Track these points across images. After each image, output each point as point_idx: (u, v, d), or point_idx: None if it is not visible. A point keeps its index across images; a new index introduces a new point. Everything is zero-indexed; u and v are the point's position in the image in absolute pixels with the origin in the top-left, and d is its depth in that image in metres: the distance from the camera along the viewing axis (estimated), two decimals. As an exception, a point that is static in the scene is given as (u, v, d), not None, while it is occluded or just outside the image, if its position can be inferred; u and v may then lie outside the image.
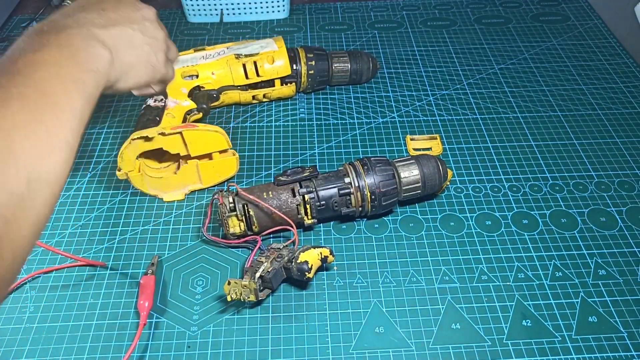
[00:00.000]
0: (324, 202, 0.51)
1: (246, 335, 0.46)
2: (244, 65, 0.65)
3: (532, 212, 0.56)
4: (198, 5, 0.85)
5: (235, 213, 0.50)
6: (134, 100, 0.71)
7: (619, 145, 0.64)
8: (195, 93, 0.63)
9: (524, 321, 0.47)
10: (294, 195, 0.51)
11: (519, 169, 0.61)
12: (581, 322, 0.46)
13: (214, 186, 0.59)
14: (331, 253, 0.49)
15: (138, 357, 0.45)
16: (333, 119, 0.68)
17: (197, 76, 0.64)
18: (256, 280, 0.45)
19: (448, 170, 0.55)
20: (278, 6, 0.86)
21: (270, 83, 0.68)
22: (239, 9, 0.85)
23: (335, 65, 0.70)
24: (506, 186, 0.59)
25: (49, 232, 0.55)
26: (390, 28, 0.85)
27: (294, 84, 0.69)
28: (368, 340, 0.45)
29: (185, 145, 0.54)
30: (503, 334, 0.46)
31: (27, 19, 0.87)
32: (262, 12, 0.86)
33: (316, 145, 0.64)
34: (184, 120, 0.60)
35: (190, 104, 0.61)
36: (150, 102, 0.59)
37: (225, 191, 0.52)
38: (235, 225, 0.51)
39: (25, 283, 0.50)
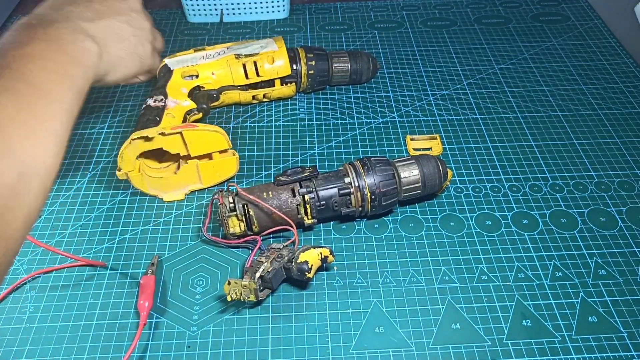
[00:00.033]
0: (324, 202, 0.51)
1: (246, 335, 0.46)
2: (244, 65, 0.65)
3: (532, 212, 0.56)
4: (198, 5, 0.85)
5: (235, 213, 0.50)
6: (134, 100, 0.71)
7: (619, 145, 0.64)
8: (195, 93, 0.63)
9: (524, 321, 0.47)
10: (294, 195, 0.51)
11: (519, 169, 0.61)
12: (581, 322, 0.46)
13: (214, 186, 0.59)
14: (331, 253, 0.49)
15: (138, 357, 0.45)
16: (333, 119, 0.68)
17: (197, 76, 0.64)
18: (256, 280, 0.45)
19: (448, 170, 0.55)
20: (278, 6, 0.86)
21: (270, 83, 0.68)
22: (239, 9, 0.85)
23: (335, 65, 0.70)
24: (506, 186, 0.59)
25: (49, 232, 0.55)
26: (390, 28, 0.85)
27: (294, 84, 0.69)
28: (368, 340, 0.45)
29: (185, 145, 0.54)
30: (503, 334, 0.46)
31: (27, 19, 0.87)
32: (262, 12, 0.86)
33: (316, 145, 0.64)
34: (184, 120, 0.60)
35: (190, 104, 0.61)
36: (150, 102, 0.59)
37: (225, 191, 0.52)
38: (235, 225, 0.51)
39: (25, 283, 0.50)
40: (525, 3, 0.91)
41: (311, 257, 0.47)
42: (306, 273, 0.46)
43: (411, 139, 0.65)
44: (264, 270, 0.46)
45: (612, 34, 0.83)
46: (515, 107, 0.69)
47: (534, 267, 0.51)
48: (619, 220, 0.55)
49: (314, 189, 0.51)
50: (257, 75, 0.66)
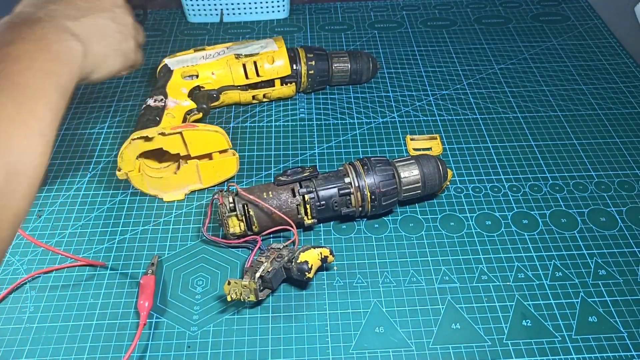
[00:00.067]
0: (324, 202, 0.51)
1: (246, 335, 0.46)
2: (244, 65, 0.65)
3: (532, 212, 0.56)
4: (198, 5, 0.85)
5: (235, 213, 0.50)
6: (134, 100, 0.71)
7: (619, 145, 0.64)
8: (195, 93, 0.63)
9: (524, 321, 0.47)
10: (294, 195, 0.51)
11: (519, 169, 0.61)
12: (581, 322, 0.46)
13: (214, 186, 0.59)
14: (331, 253, 0.49)
15: (138, 357, 0.45)
16: (333, 119, 0.68)
17: (197, 76, 0.64)
18: (256, 280, 0.45)
19: (448, 170, 0.55)
20: (278, 6, 0.86)
21: (270, 83, 0.68)
22: (239, 9, 0.85)
23: (335, 65, 0.70)
24: (506, 186, 0.59)
25: (49, 232, 0.55)
26: (390, 28, 0.85)
27: (294, 84, 0.69)
28: (368, 340, 0.45)
29: (185, 145, 0.54)
30: (503, 334, 0.46)
31: (27, 19, 0.87)
32: (262, 12, 0.86)
33: (316, 145, 0.64)
34: (184, 120, 0.60)
35: (190, 104, 0.61)
36: (150, 102, 0.59)
37: (225, 191, 0.52)
38: (235, 225, 0.51)
39: (25, 283, 0.50)
40: (525, 3, 0.91)
41: (311, 257, 0.47)
42: (306, 273, 0.46)
43: (411, 139, 0.65)
44: (264, 270, 0.46)
45: (612, 34, 0.83)
46: (515, 107, 0.69)
47: (534, 267, 0.51)
48: (619, 220, 0.55)
49: (314, 189, 0.51)
50: (257, 75, 0.66)
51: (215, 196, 0.52)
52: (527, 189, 0.58)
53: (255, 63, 0.65)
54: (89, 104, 0.71)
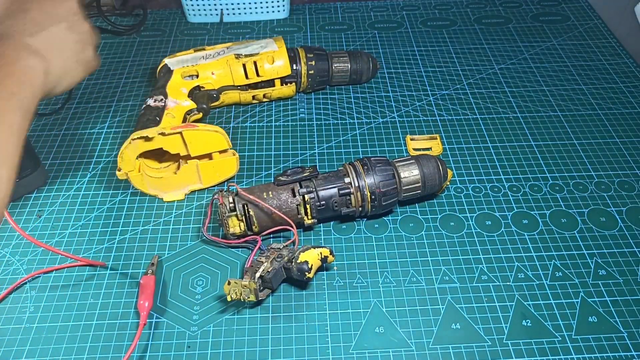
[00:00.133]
0: (324, 202, 0.51)
1: (246, 335, 0.46)
2: (244, 65, 0.65)
3: (532, 212, 0.56)
4: (198, 5, 0.85)
5: (235, 213, 0.50)
6: (134, 100, 0.71)
7: (619, 145, 0.64)
8: (195, 93, 0.63)
9: (524, 321, 0.47)
10: (294, 195, 0.51)
11: (519, 169, 0.61)
12: (581, 322, 0.46)
13: (214, 186, 0.59)
14: (331, 253, 0.49)
15: (138, 357, 0.45)
16: (333, 119, 0.68)
17: (197, 76, 0.64)
18: (256, 280, 0.45)
19: (448, 170, 0.55)
20: (278, 6, 0.86)
21: (270, 83, 0.68)
22: (239, 9, 0.85)
23: (335, 65, 0.70)
24: (506, 186, 0.59)
25: (49, 232, 0.55)
26: (390, 28, 0.85)
27: (294, 84, 0.69)
28: (368, 340, 0.45)
29: (185, 145, 0.54)
30: (503, 334, 0.46)
31: (27, 19, 0.87)
32: (262, 12, 0.86)
33: (316, 145, 0.64)
34: (184, 120, 0.60)
35: (190, 104, 0.61)
36: (150, 102, 0.59)
37: (225, 191, 0.52)
38: (235, 225, 0.51)
39: (25, 283, 0.50)
40: (525, 3, 0.91)
41: (311, 257, 0.47)
42: (306, 273, 0.46)
43: (411, 139, 0.65)
44: (264, 270, 0.46)
45: (612, 34, 0.83)
46: (515, 107, 0.69)
47: (534, 267, 0.51)
48: (619, 220, 0.55)
49: (314, 189, 0.51)
50: (257, 75, 0.66)
51: (215, 196, 0.52)
52: (527, 189, 0.58)
53: (255, 63, 0.65)
54: (89, 104, 0.71)
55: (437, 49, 0.80)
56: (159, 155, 0.57)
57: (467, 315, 0.47)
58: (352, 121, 0.68)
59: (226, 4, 0.85)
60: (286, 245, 0.50)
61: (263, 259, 0.48)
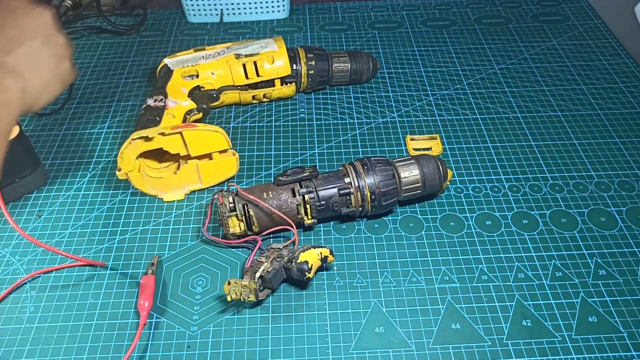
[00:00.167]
0: (324, 202, 0.51)
1: (246, 335, 0.46)
2: (244, 65, 0.65)
3: (532, 212, 0.56)
4: (198, 5, 0.85)
5: (235, 213, 0.50)
6: (134, 100, 0.71)
7: (619, 145, 0.64)
8: (195, 93, 0.63)
9: (524, 321, 0.47)
10: (294, 195, 0.51)
11: (519, 169, 0.61)
12: (581, 322, 0.46)
13: (214, 186, 0.59)
14: (331, 253, 0.49)
15: (138, 357, 0.45)
16: (333, 119, 0.68)
17: (197, 76, 0.64)
18: (256, 280, 0.45)
19: (448, 170, 0.55)
20: (278, 6, 0.86)
21: (270, 83, 0.68)
22: (239, 9, 0.85)
23: (335, 65, 0.70)
24: (506, 186, 0.59)
25: (49, 232, 0.55)
26: (390, 28, 0.85)
27: (294, 84, 0.69)
28: (368, 340, 0.45)
29: (185, 145, 0.54)
30: (503, 334, 0.46)
31: (27, 19, 0.87)
32: (262, 12, 0.86)
33: (316, 145, 0.64)
34: (184, 120, 0.60)
35: (190, 104, 0.61)
36: (150, 102, 0.59)
37: (225, 191, 0.52)
38: (235, 225, 0.51)
39: (25, 283, 0.50)
40: (525, 3, 0.91)
41: (311, 257, 0.47)
42: (306, 273, 0.46)
43: (411, 139, 0.65)
44: (264, 270, 0.46)
45: (612, 34, 0.83)
46: (515, 107, 0.69)
47: (534, 267, 0.51)
48: (619, 220, 0.55)
49: (314, 189, 0.51)
50: (257, 75, 0.66)
51: (215, 196, 0.52)
52: (527, 189, 0.58)
53: (255, 63, 0.65)
54: (89, 104, 0.71)
55: (437, 49, 0.80)
56: (159, 155, 0.57)
57: (467, 315, 0.47)
58: (352, 121, 0.68)
59: (226, 4, 0.85)
60: (286, 245, 0.50)
61: (263, 259, 0.48)
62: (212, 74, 0.65)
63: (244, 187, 0.54)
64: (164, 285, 0.50)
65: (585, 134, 0.65)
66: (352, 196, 0.52)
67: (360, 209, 0.53)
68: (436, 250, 0.52)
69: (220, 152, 0.56)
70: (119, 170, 0.54)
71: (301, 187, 0.51)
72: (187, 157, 0.56)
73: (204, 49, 0.67)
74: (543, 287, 0.49)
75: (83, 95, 0.72)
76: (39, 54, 0.39)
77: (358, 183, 0.52)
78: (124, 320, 0.47)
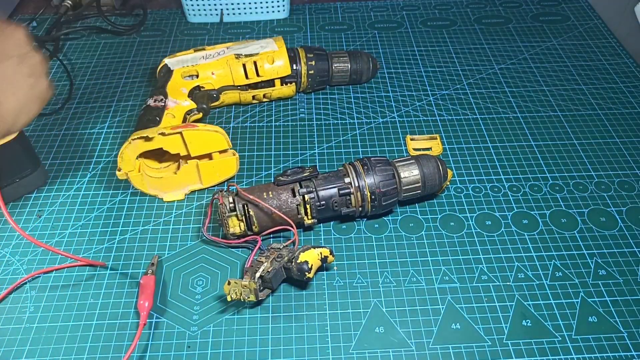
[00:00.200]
0: (324, 202, 0.51)
1: (246, 335, 0.46)
2: (244, 65, 0.65)
3: (532, 212, 0.56)
4: (198, 5, 0.85)
5: (235, 213, 0.50)
6: (134, 100, 0.71)
7: (619, 145, 0.64)
8: (195, 93, 0.63)
9: (524, 321, 0.47)
10: (294, 195, 0.51)
11: (519, 169, 0.61)
12: (581, 322, 0.46)
13: (214, 186, 0.59)
14: (331, 253, 0.49)
15: (138, 357, 0.45)
16: (333, 119, 0.68)
17: (197, 76, 0.64)
18: (256, 280, 0.45)
19: (448, 170, 0.55)
20: (278, 6, 0.86)
21: (270, 83, 0.68)
22: (239, 9, 0.85)
23: (335, 65, 0.70)
24: (506, 186, 0.59)
25: (49, 232, 0.55)
26: (390, 28, 0.85)
27: (294, 84, 0.69)
28: (368, 340, 0.45)
29: (185, 145, 0.54)
30: (503, 334, 0.46)
31: (27, 19, 0.87)
32: (262, 12, 0.86)
33: (316, 145, 0.64)
34: (184, 120, 0.60)
35: (190, 104, 0.61)
36: (150, 102, 0.59)
37: (225, 191, 0.52)
38: (235, 225, 0.51)
39: (25, 283, 0.50)
40: (525, 3, 0.91)
41: (311, 257, 0.47)
42: (306, 273, 0.46)
43: (411, 139, 0.65)
44: (264, 270, 0.46)
45: (612, 34, 0.83)
46: (515, 107, 0.69)
47: (534, 267, 0.51)
48: (619, 220, 0.55)
49: (314, 189, 0.51)
50: (257, 75, 0.66)
51: (215, 196, 0.52)
52: (527, 189, 0.58)
53: (255, 63, 0.65)
54: (89, 104, 0.71)
55: (437, 49, 0.80)
56: (159, 155, 0.57)
57: (467, 315, 0.47)
58: (352, 121, 0.68)
59: (226, 4, 0.85)
60: (286, 245, 0.50)
61: (263, 259, 0.48)
62: (212, 74, 0.65)
63: (244, 187, 0.54)
64: (164, 285, 0.50)
65: (585, 134, 0.65)
66: (352, 196, 0.52)
67: (360, 209, 0.53)
68: (436, 250, 0.52)
69: (220, 152, 0.56)
70: (119, 170, 0.54)
71: (301, 187, 0.51)
72: (187, 157, 0.56)
73: (204, 49, 0.67)
74: (543, 287, 0.49)
75: (83, 95, 0.72)
76: (14, 75, 0.38)
77: (358, 183, 0.52)
78: (124, 320, 0.47)
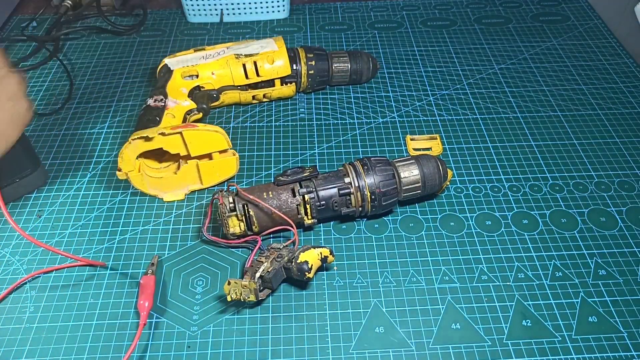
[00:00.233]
0: (324, 202, 0.51)
1: (246, 335, 0.46)
2: (244, 65, 0.65)
3: (532, 212, 0.56)
4: (198, 5, 0.85)
5: (235, 213, 0.50)
6: (134, 100, 0.71)
7: (619, 145, 0.64)
8: (195, 93, 0.63)
9: (524, 321, 0.47)
10: (294, 195, 0.51)
11: (519, 169, 0.61)
12: (581, 322, 0.46)
13: (214, 186, 0.59)
14: (331, 253, 0.49)
15: (138, 357, 0.45)
16: (333, 119, 0.68)
17: (197, 76, 0.64)
18: (256, 280, 0.45)
19: (448, 170, 0.55)
20: (278, 6, 0.86)
21: (270, 83, 0.68)
22: (239, 9, 0.85)
23: (335, 65, 0.70)
24: (506, 186, 0.59)
25: (49, 232, 0.55)
26: (390, 28, 0.85)
27: (294, 84, 0.69)
28: (368, 340, 0.45)
29: (185, 145, 0.54)
30: (503, 334, 0.46)
31: (27, 19, 0.87)
32: (262, 12, 0.86)
33: (316, 145, 0.64)
34: (184, 120, 0.60)
35: (190, 104, 0.61)
36: (150, 102, 0.59)
37: (225, 191, 0.52)
38: (235, 225, 0.51)
39: (25, 283, 0.50)
40: (525, 3, 0.91)
41: (311, 257, 0.47)
42: (306, 273, 0.46)
43: (411, 139, 0.65)
44: (264, 270, 0.46)
45: (612, 34, 0.83)
46: (515, 107, 0.69)
47: (534, 267, 0.51)
48: (619, 220, 0.55)
49: (314, 189, 0.51)
50: (257, 75, 0.66)
51: (215, 196, 0.52)
52: (527, 189, 0.58)
53: (255, 63, 0.65)
54: (89, 104, 0.71)
55: (437, 49, 0.80)
56: (159, 155, 0.57)
57: (467, 315, 0.47)
58: (352, 121, 0.68)
59: (226, 4, 0.85)
60: (286, 245, 0.50)
61: (263, 259, 0.48)
62: (212, 74, 0.65)
63: (244, 187, 0.54)
64: (164, 285, 0.50)
65: (585, 134, 0.65)
66: (352, 196, 0.52)
67: (360, 209, 0.53)
68: (436, 250, 0.52)
69: (220, 152, 0.56)
70: (119, 170, 0.54)
71: (301, 187, 0.51)
72: (187, 157, 0.56)
73: (204, 49, 0.67)
74: (543, 287, 0.49)
75: (83, 95, 0.72)
76: None
77: (358, 183, 0.52)
78: (124, 320, 0.47)
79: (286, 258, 0.47)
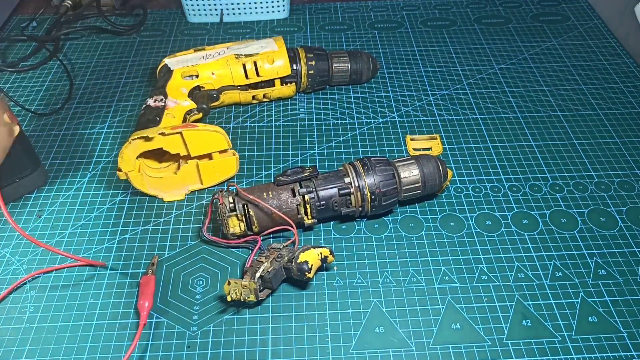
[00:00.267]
0: (324, 202, 0.51)
1: (246, 335, 0.46)
2: (244, 65, 0.65)
3: (532, 212, 0.56)
4: (198, 5, 0.85)
5: (235, 213, 0.50)
6: (134, 100, 0.71)
7: (619, 145, 0.64)
8: (195, 93, 0.63)
9: (524, 321, 0.47)
10: (294, 195, 0.51)
11: (519, 169, 0.61)
12: (581, 322, 0.46)
13: (214, 186, 0.59)
14: (331, 253, 0.49)
15: (138, 357, 0.45)
16: (333, 119, 0.68)
17: (197, 76, 0.64)
18: (256, 280, 0.45)
19: (448, 170, 0.55)
20: (278, 6, 0.86)
21: (270, 83, 0.68)
22: (239, 9, 0.85)
23: (335, 65, 0.70)
24: (506, 186, 0.59)
25: (49, 232, 0.55)
26: (390, 28, 0.85)
27: (294, 84, 0.69)
28: (368, 340, 0.45)
29: (185, 145, 0.54)
30: (503, 334, 0.46)
31: (27, 19, 0.87)
32: (262, 12, 0.86)
33: (316, 145, 0.64)
34: (184, 120, 0.60)
35: (190, 104, 0.61)
36: (150, 102, 0.59)
37: (225, 191, 0.52)
38: (235, 225, 0.51)
39: (25, 283, 0.50)
40: (525, 3, 0.91)
41: (311, 257, 0.47)
42: (306, 273, 0.46)
43: (411, 139, 0.65)
44: (264, 270, 0.46)
45: (612, 34, 0.83)
46: (515, 107, 0.69)
47: (534, 267, 0.51)
48: (619, 220, 0.55)
49: (314, 189, 0.51)
50: (257, 75, 0.66)
51: (215, 196, 0.52)
52: (527, 189, 0.58)
53: (255, 63, 0.65)
54: (89, 104, 0.71)
55: (437, 49, 0.80)
56: (159, 155, 0.57)
57: (467, 315, 0.47)
58: (352, 121, 0.68)
59: (226, 4, 0.85)
60: (286, 245, 0.50)
61: (263, 259, 0.48)
62: (212, 74, 0.65)
63: (244, 187, 0.54)
64: (164, 285, 0.50)
65: (585, 134, 0.65)
66: (352, 196, 0.52)
67: (360, 209, 0.53)
68: (436, 250, 0.52)
69: (220, 152, 0.56)
70: (119, 170, 0.54)
71: (301, 187, 0.51)
72: (187, 157, 0.56)
73: (204, 49, 0.67)
74: (543, 287, 0.49)
75: (83, 95, 0.72)
76: None
77: (358, 183, 0.52)
78: (124, 320, 0.47)
79: (286, 258, 0.47)
